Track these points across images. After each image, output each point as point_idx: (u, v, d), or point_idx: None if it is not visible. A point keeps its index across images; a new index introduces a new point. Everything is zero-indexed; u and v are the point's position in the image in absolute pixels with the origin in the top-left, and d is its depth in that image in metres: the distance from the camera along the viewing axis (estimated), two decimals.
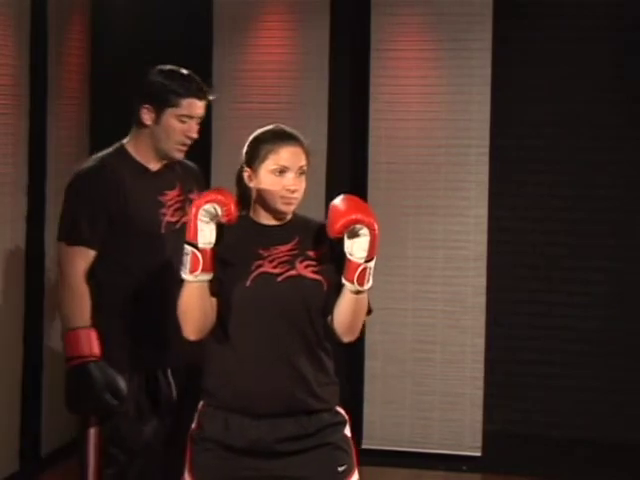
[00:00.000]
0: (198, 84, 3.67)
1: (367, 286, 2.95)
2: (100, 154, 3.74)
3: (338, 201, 2.97)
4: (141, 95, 3.67)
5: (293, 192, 3.01)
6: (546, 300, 5.78)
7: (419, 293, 5.78)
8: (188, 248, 2.92)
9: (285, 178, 3.00)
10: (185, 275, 2.93)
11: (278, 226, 3.07)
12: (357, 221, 2.89)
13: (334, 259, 3.01)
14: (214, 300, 2.98)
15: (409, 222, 5.78)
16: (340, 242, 2.95)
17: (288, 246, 3.04)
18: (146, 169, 3.68)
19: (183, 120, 3.62)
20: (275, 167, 3.01)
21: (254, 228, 3.06)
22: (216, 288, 2.97)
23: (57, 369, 5.70)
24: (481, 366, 5.72)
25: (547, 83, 5.77)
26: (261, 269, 3.00)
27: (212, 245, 2.93)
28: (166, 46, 6.02)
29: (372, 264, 2.93)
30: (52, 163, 5.61)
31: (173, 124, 3.62)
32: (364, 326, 5.70)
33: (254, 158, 3.03)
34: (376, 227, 2.91)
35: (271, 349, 2.97)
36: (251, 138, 3.10)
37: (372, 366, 5.81)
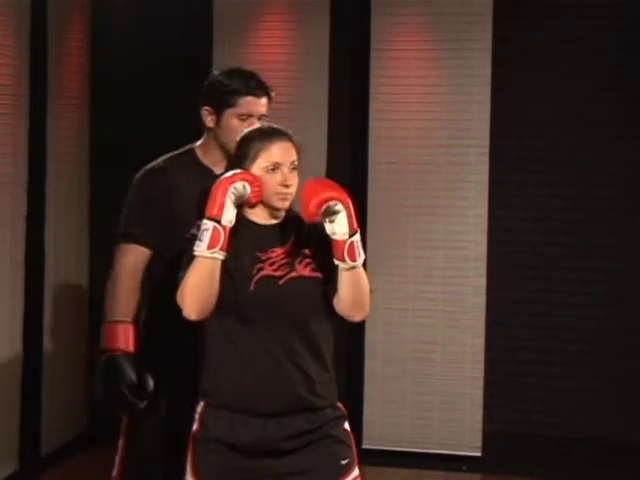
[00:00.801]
0: (257, 81, 3.59)
1: (360, 260, 2.96)
2: (170, 154, 3.70)
3: (304, 189, 2.95)
4: (203, 97, 3.64)
5: (288, 187, 3.00)
6: (546, 300, 5.78)
7: (419, 293, 5.77)
8: (209, 223, 2.91)
9: (278, 174, 3.00)
10: (201, 251, 2.91)
11: (273, 226, 3.06)
12: (328, 199, 2.89)
13: (324, 249, 3.01)
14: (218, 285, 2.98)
15: (409, 222, 5.78)
16: (323, 230, 2.97)
17: (285, 248, 3.04)
18: (211, 172, 3.59)
19: (243, 119, 3.53)
20: (267, 164, 3.00)
21: (250, 229, 3.06)
22: (222, 279, 2.97)
23: (57, 369, 5.71)
24: (481, 366, 5.72)
25: (547, 83, 5.77)
26: (262, 272, 3.00)
27: (231, 225, 2.93)
28: (166, 46, 6.03)
29: (357, 237, 2.94)
30: (52, 163, 5.61)
31: (234, 124, 3.53)
32: (365, 323, 5.74)
33: (245, 158, 3.02)
34: (348, 199, 2.92)
35: (276, 350, 2.98)
36: (239, 139, 3.10)
37: (372, 366, 5.81)
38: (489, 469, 5.74)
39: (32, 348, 5.44)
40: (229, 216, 2.92)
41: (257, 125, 3.12)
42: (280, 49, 5.90)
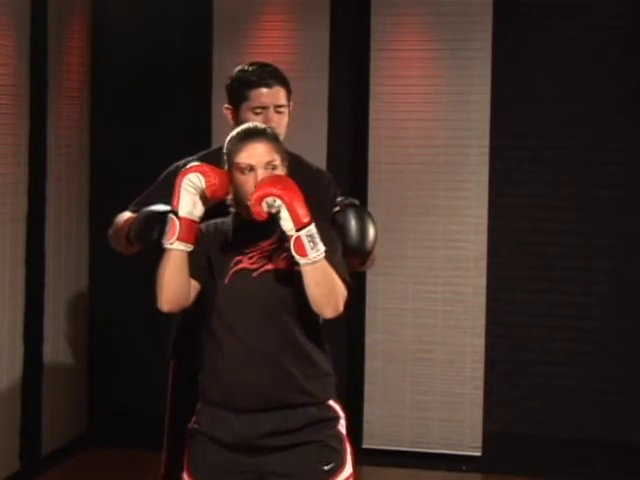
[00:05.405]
0: (268, 72, 3.54)
1: (312, 255, 2.89)
2: (204, 151, 3.68)
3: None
4: (226, 96, 3.62)
5: None
6: (546, 300, 5.78)
7: (419, 293, 5.78)
8: (170, 216, 2.97)
9: (253, 176, 2.99)
10: (164, 243, 2.98)
11: (259, 222, 3.01)
12: (265, 195, 2.89)
13: None
14: (194, 282, 3.00)
15: (409, 222, 5.78)
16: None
17: (269, 241, 3.03)
18: None
19: (257, 112, 3.50)
20: (241, 166, 3.00)
21: (239, 225, 3.07)
22: (198, 274, 3.00)
23: (57, 369, 5.71)
24: (481, 366, 5.72)
25: (547, 83, 5.77)
26: (239, 265, 3.01)
27: (195, 218, 2.97)
28: (166, 46, 6.03)
29: (306, 231, 2.88)
30: (52, 163, 5.61)
31: (249, 118, 3.47)
32: (365, 323, 5.73)
33: (227, 158, 3.05)
34: (285, 193, 2.88)
35: (253, 346, 2.97)
36: (227, 139, 3.10)
37: (372, 366, 5.81)
38: (489, 469, 5.74)
39: (32, 348, 5.44)
40: (186, 207, 2.95)
41: (244, 125, 3.12)
42: (280, 49, 5.90)
